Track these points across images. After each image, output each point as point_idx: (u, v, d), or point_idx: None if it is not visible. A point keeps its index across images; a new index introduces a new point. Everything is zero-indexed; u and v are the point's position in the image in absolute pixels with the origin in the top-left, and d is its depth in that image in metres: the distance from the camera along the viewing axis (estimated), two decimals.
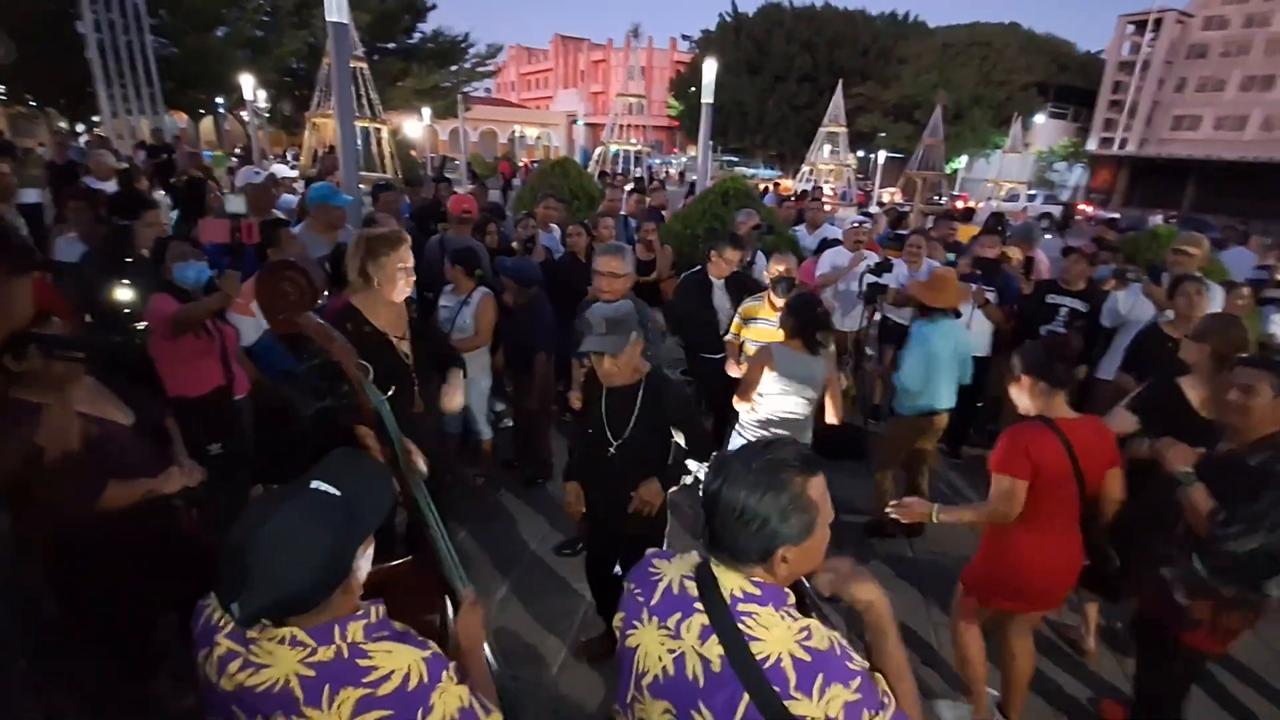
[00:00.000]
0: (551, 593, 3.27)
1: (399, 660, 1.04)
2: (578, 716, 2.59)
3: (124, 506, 1.87)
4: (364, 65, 17.01)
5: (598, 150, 25.84)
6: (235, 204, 4.02)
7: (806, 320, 3.03)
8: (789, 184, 26.41)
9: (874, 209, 15.10)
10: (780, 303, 3.54)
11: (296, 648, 1.01)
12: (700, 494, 1.12)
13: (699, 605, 1.09)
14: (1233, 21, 38.20)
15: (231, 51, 21.39)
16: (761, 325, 3.69)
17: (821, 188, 21.10)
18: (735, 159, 42.62)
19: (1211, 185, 37.58)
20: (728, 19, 42.66)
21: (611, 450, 2.34)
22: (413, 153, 23.53)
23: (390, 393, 2.13)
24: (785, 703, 0.99)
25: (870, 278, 4.61)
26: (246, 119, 20.10)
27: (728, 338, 3.90)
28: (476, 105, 39.46)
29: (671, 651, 1.10)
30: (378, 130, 17.84)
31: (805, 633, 1.04)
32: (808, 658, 1.02)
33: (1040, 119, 37.83)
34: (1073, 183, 42.53)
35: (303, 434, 2.53)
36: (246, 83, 16.58)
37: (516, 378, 4.21)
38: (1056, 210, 26.64)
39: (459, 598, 1.43)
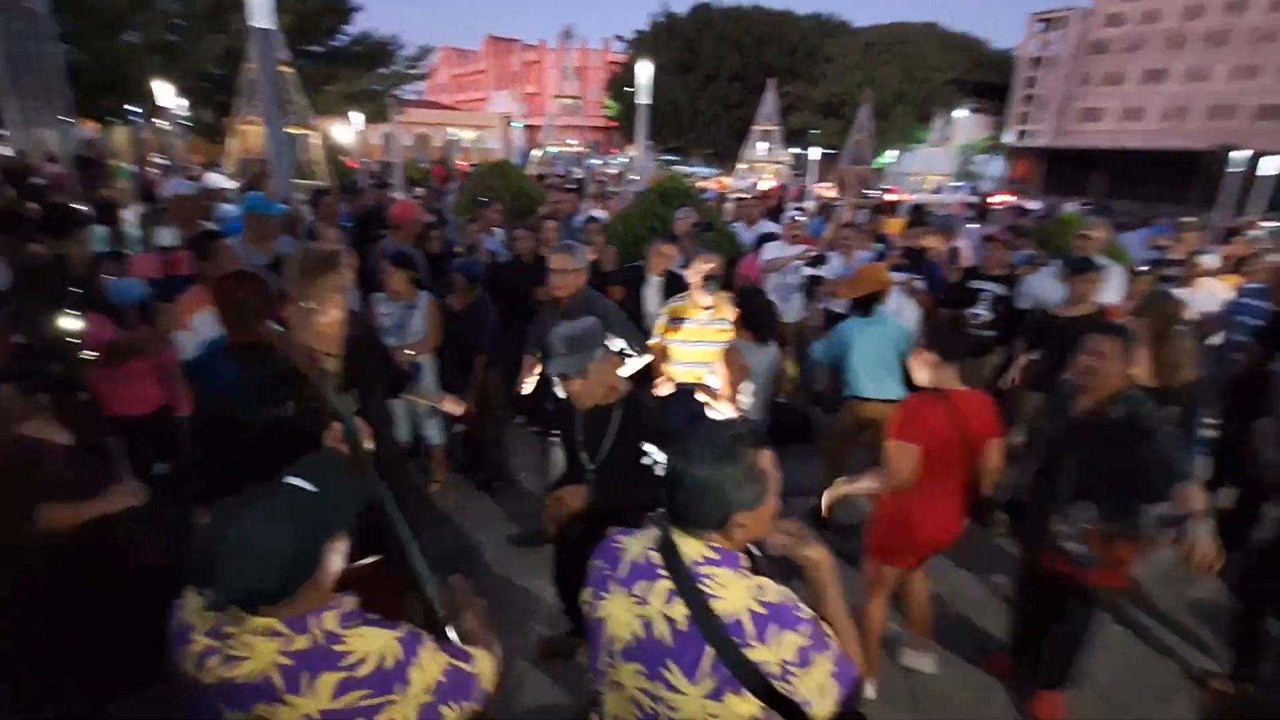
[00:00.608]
0: (512, 595, 3.29)
1: (373, 643, 1.10)
2: (546, 717, 2.63)
3: (70, 526, 1.83)
4: (289, 69, 16.43)
5: (535, 152, 25.71)
6: (165, 236, 3.89)
7: (754, 312, 3.19)
8: (728, 181, 26.88)
9: (809, 204, 15.54)
10: (707, 301, 3.52)
11: (273, 638, 1.06)
12: (673, 482, 1.20)
13: (663, 572, 1.20)
14: (1130, 18, 40.94)
15: (144, 56, 20.32)
16: (690, 326, 3.59)
17: (786, 186, 21.51)
18: (674, 158, 43.04)
19: (1119, 173, 40.14)
20: (659, 20, 43.07)
21: (589, 471, 2.30)
22: (345, 159, 22.86)
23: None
24: (744, 651, 1.11)
25: (807, 270, 4.82)
26: (166, 127, 19.14)
27: (652, 342, 3.74)
28: (409, 108, 38.56)
29: (640, 617, 1.20)
30: (306, 136, 17.27)
31: (759, 589, 1.18)
32: (763, 611, 1.15)
33: (960, 114, 39.64)
34: (993, 174, 44.72)
35: (253, 447, 2.49)
36: (162, 89, 15.80)
37: (462, 382, 4.21)
38: (984, 201, 27.97)
39: (431, 602, 1.46)
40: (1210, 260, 5.85)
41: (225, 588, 1.02)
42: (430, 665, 1.14)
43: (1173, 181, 35.14)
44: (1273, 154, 19.14)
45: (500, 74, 64.45)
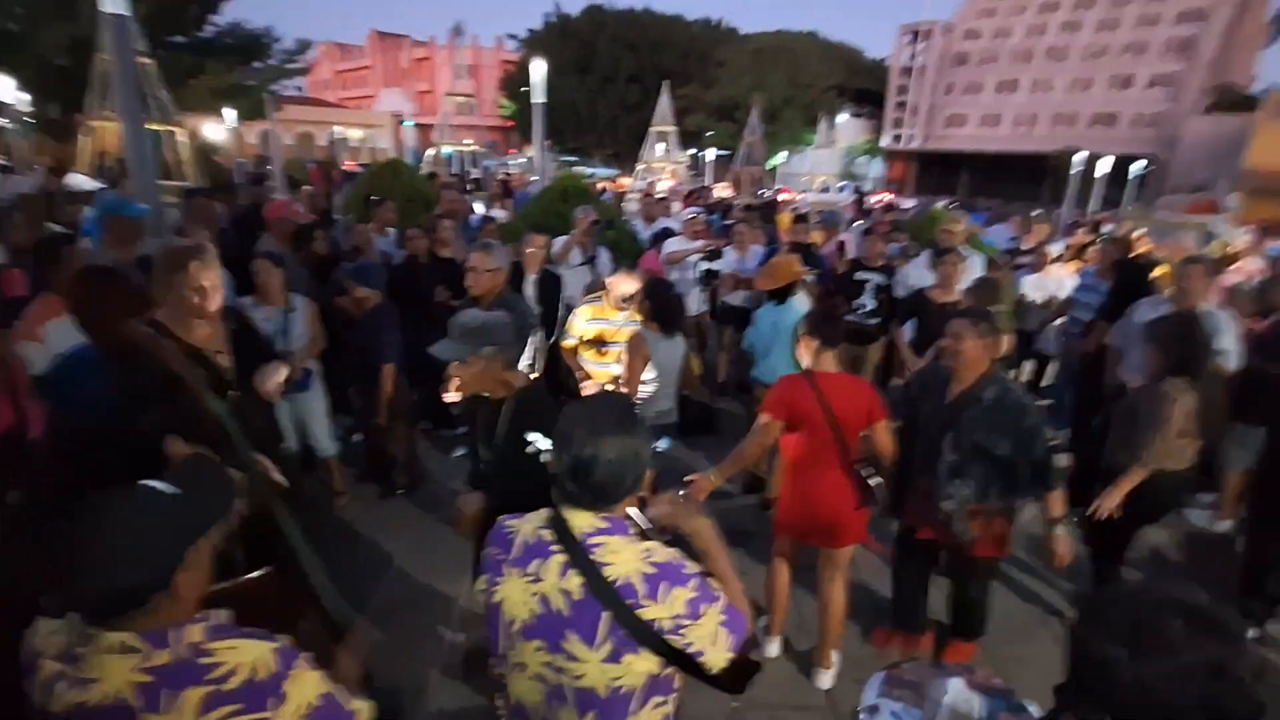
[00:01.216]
0: (420, 601, 3.21)
1: (245, 655, 1.02)
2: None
3: None
4: (148, 61, 15.04)
5: (429, 151, 24.88)
6: None
7: (662, 304, 3.26)
8: (626, 181, 27.12)
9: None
10: (621, 307, 3.65)
11: (128, 654, 0.96)
12: (568, 464, 1.22)
13: (555, 548, 1.24)
14: (985, 34, 44.88)
15: None
16: (601, 326, 3.70)
17: (710, 189, 21.81)
18: (574, 159, 42.91)
19: (981, 174, 44.02)
20: (552, 20, 42.81)
21: (484, 464, 2.32)
22: (217, 158, 21.19)
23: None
24: (638, 611, 1.18)
25: (704, 265, 4.99)
26: (5, 125, 17.01)
27: (564, 343, 3.78)
28: (288, 105, 36.13)
29: (535, 594, 1.23)
30: (171, 134, 15.87)
31: (648, 552, 1.24)
32: (653, 570, 1.21)
33: (842, 118, 42.02)
34: (873, 175, 47.69)
35: (124, 463, 2.29)
36: (2, 83, 14.02)
37: (364, 390, 4.04)
38: (864, 199, 29.83)
39: (334, 615, 1.42)
40: (1056, 249, 6.57)
41: (72, 597, 0.94)
42: (309, 684, 1.06)
43: (1027, 181, 38.94)
44: (1105, 156, 21.60)
45: (388, 71, 61.73)
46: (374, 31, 62.08)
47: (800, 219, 5.83)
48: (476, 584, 1.35)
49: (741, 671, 1.28)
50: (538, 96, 8.84)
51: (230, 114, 22.46)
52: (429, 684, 2.73)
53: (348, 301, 4.35)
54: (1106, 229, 9.98)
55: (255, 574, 1.41)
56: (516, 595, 1.26)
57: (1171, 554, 4.04)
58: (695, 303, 5.24)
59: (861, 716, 1.29)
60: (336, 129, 43.02)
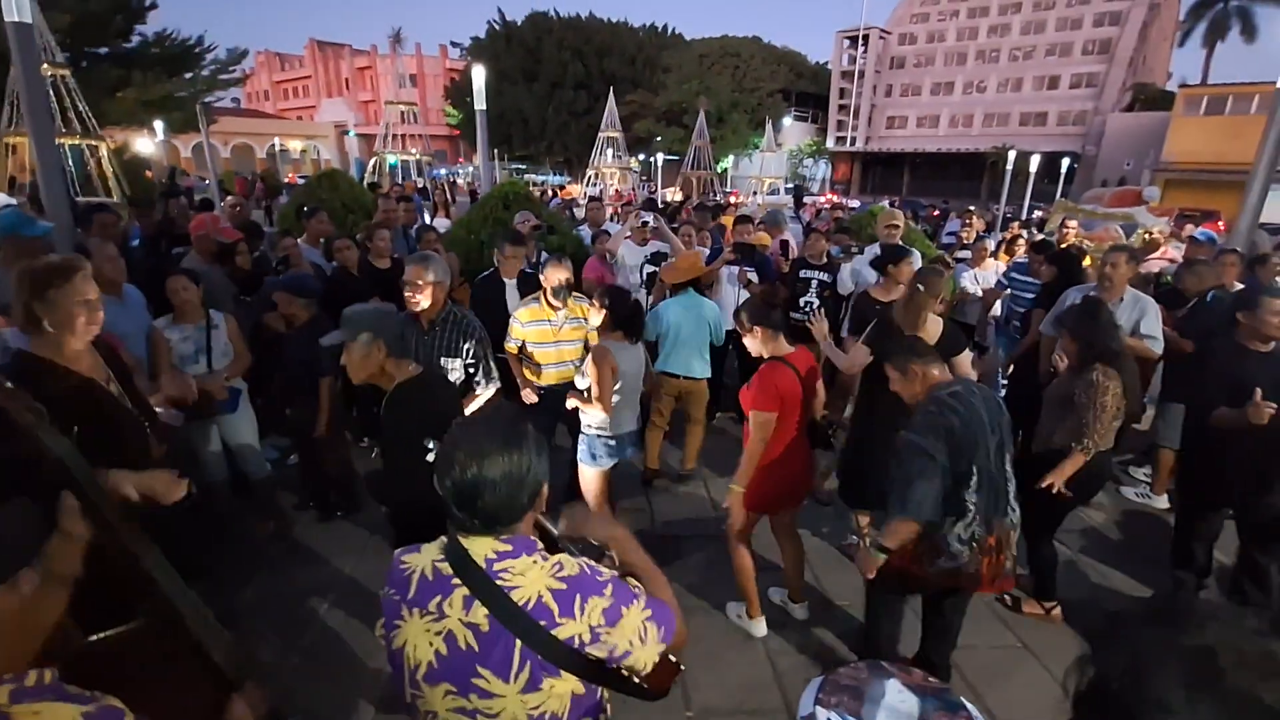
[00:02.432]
0: (357, 634, 3.03)
1: (54, 717, 0.87)
2: None
3: None
4: (66, 73, 14.31)
5: (372, 161, 24.33)
6: None
7: (623, 312, 3.23)
8: (574, 189, 27.06)
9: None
10: (558, 303, 3.67)
11: None
12: (452, 490, 1.14)
13: (456, 581, 1.15)
14: (919, 38, 46.40)
15: None
16: (544, 328, 3.71)
17: (665, 195, 21.83)
18: (523, 166, 42.61)
19: (922, 173, 45.50)
20: (497, 27, 42.47)
21: (374, 453, 2.45)
22: (148, 173, 20.28)
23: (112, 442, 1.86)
24: (553, 631, 1.10)
25: (649, 267, 4.95)
26: None
27: (507, 345, 3.76)
28: (224, 117, 34.93)
29: (439, 634, 1.14)
30: (94, 148, 15.12)
31: (558, 566, 1.16)
32: (563, 586, 1.14)
33: (788, 121, 42.83)
34: (819, 176, 48.72)
35: None
36: None
37: (300, 408, 3.86)
38: (810, 200, 30.46)
39: (223, 665, 1.27)
40: (991, 243, 6.77)
41: None
42: None
43: (966, 178, 40.40)
44: (1036, 153, 22.52)
45: (329, 80, 60.24)
46: (312, 41, 60.49)
47: (744, 219, 5.85)
48: (375, 629, 1.25)
49: (663, 674, 1.23)
50: (480, 103, 8.68)
51: (159, 126, 21.50)
52: (363, 718, 2.59)
53: (275, 318, 4.17)
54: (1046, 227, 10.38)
55: (122, 628, 1.26)
56: (419, 639, 1.16)
57: (1109, 531, 4.17)
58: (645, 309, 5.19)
59: None
60: (277, 140, 41.85)
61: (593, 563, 1.21)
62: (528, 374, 3.80)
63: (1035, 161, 20.75)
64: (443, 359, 2.98)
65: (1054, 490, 2.88)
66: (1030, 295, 5.02)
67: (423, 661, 1.15)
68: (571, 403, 3.24)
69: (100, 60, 22.68)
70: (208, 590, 2.80)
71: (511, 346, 3.76)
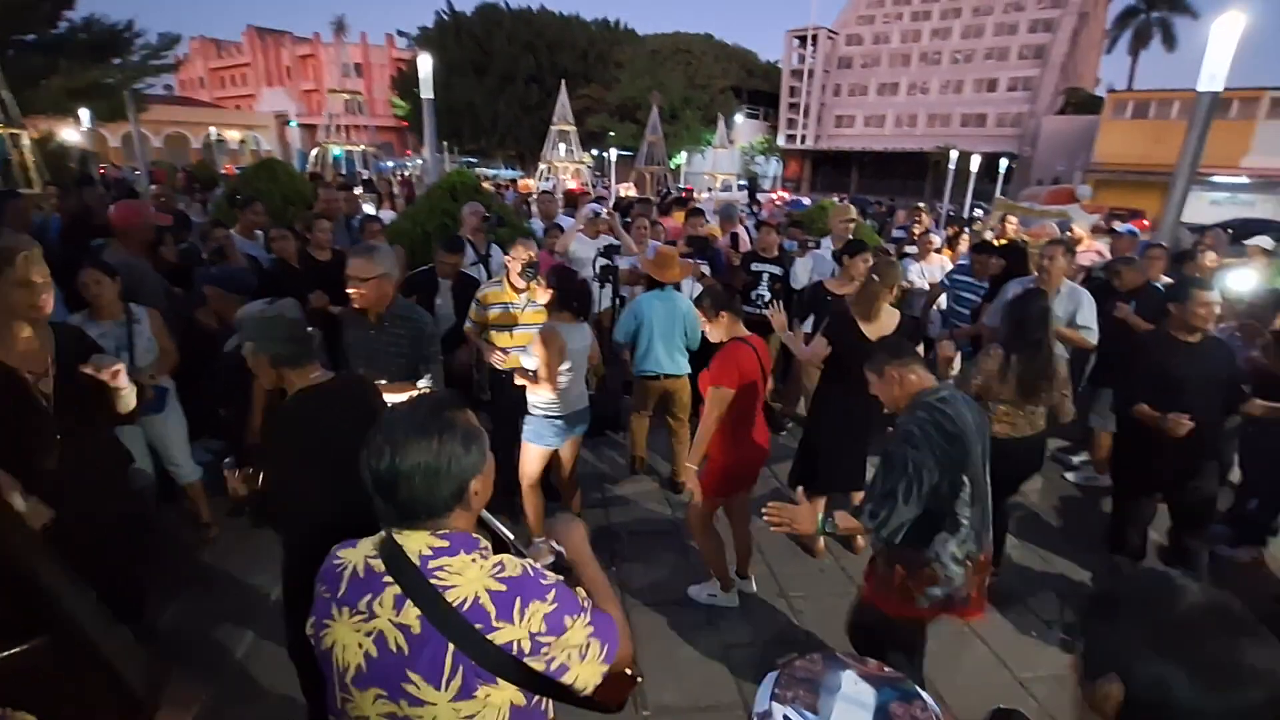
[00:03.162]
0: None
1: None
2: None
3: None
4: None
5: (314, 152, 23.49)
6: None
7: (569, 291, 3.23)
8: (530, 183, 26.71)
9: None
10: (521, 285, 3.69)
11: None
12: (371, 479, 1.08)
13: (388, 578, 1.07)
14: (866, 39, 47.47)
15: None
16: (502, 310, 3.72)
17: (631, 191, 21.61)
18: (474, 160, 41.84)
19: (869, 171, 46.60)
20: (445, 17, 41.53)
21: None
22: (72, 165, 19.11)
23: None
24: (489, 635, 1.03)
25: (602, 260, 4.89)
26: None
27: (466, 327, 3.80)
28: (156, 105, 33.05)
29: (369, 634, 1.07)
30: (15, 137, 14.17)
31: (499, 566, 1.09)
32: (503, 588, 1.07)
33: (740, 118, 43.23)
34: (771, 173, 49.38)
35: None
36: None
37: (234, 407, 3.66)
38: (762, 196, 30.87)
39: (133, 684, 1.17)
40: (937, 239, 6.96)
41: None
42: None
43: (911, 176, 41.59)
44: (977, 153, 23.32)
45: (269, 69, 57.85)
46: (251, 27, 57.97)
47: (696, 212, 5.84)
48: (306, 627, 1.16)
49: (618, 687, 1.17)
50: (427, 93, 8.45)
51: (86, 115, 20.26)
52: None
53: (207, 314, 3.95)
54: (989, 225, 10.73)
55: (20, 648, 1.15)
56: (348, 639, 1.08)
57: (1050, 516, 4.32)
58: (597, 299, 5.12)
59: None
60: (213, 130, 39.89)
61: (537, 565, 1.14)
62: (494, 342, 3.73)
63: (976, 161, 21.49)
64: (393, 357, 2.84)
65: None
66: (971, 295, 5.16)
67: (352, 664, 1.07)
68: (520, 381, 3.22)
69: (26, 48, 21.24)
70: (129, 605, 2.66)
71: (470, 328, 3.77)
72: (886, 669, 1.27)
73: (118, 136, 31.56)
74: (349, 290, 2.75)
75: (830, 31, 47.51)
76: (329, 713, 1.15)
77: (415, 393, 2.87)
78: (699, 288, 4.95)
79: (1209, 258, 5.38)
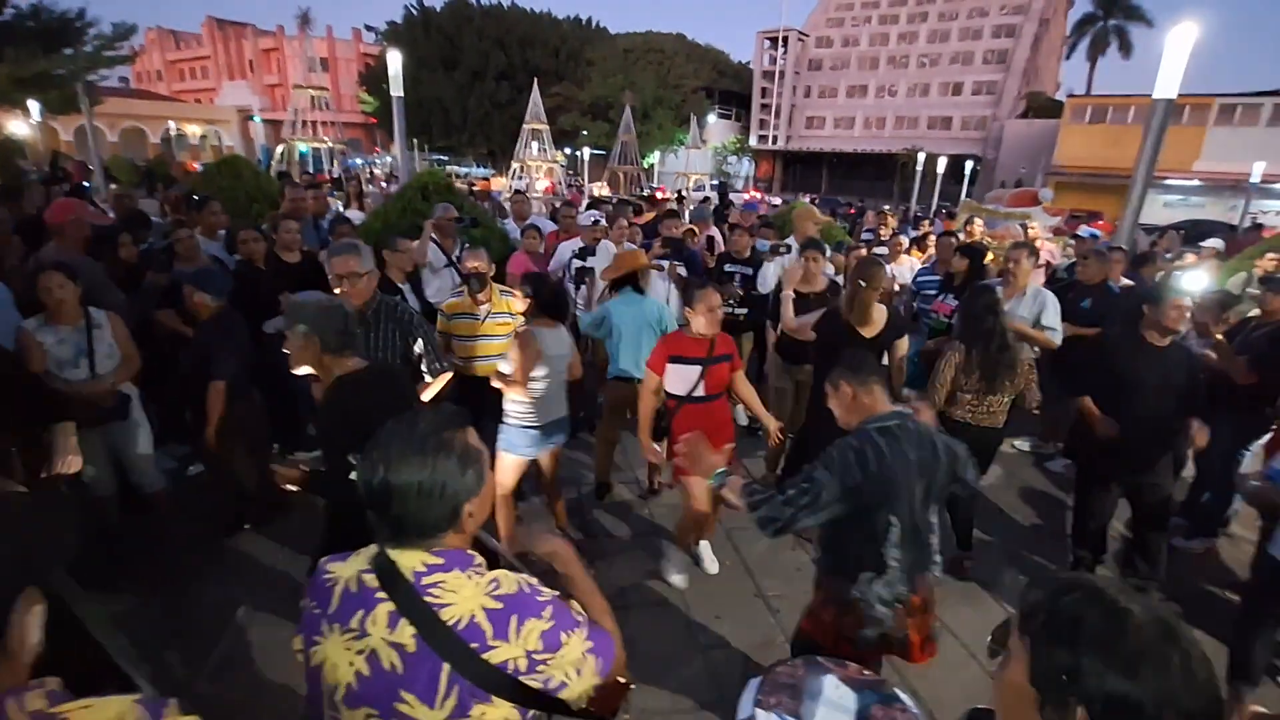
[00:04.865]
0: (269, 656, 2.82)
1: (107, 711, 0.89)
2: None
3: None
4: None
5: (280, 148, 22.94)
6: None
7: (545, 295, 3.24)
8: (503, 181, 26.49)
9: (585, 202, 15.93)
10: (482, 296, 3.64)
11: None
12: (366, 495, 1.07)
13: (381, 595, 1.05)
14: (835, 41, 48.03)
15: None
16: (464, 320, 3.68)
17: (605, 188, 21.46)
18: (445, 158, 41.30)
19: (839, 172, 47.20)
20: (414, 12, 40.91)
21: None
22: (20, 162, 18.38)
23: None
24: (485, 655, 1.02)
25: (577, 262, 4.87)
26: None
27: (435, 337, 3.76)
28: (111, 98, 31.91)
29: (361, 653, 1.04)
30: None
31: (494, 584, 1.08)
32: (499, 605, 1.06)
33: (712, 119, 43.43)
34: (743, 174, 49.70)
35: None
36: None
37: (201, 412, 3.55)
38: (736, 196, 31.03)
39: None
40: (905, 240, 7.08)
41: None
42: None
43: (880, 178, 42.26)
44: (943, 155, 23.82)
45: (231, 61, 56.36)
46: (210, 19, 56.38)
47: (671, 214, 5.86)
48: (293, 644, 1.14)
49: (611, 695, 1.18)
50: (396, 89, 8.32)
51: (35, 107, 19.50)
52: None
53: (169, 315, 3.84)
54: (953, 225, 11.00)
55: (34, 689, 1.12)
56: (339, 657, 1.06)
57: (1019, 508, 4.43)
58: (573, 302, 5.10)
59: None
60: (172, 124, 38.69)
61: (534, 581, 1.13)
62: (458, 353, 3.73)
63: (942, 163, 21.94)
64: (379, 354, 2.80)
65: None
66: (935, 293, 5.27)
67: (342, 682, 1.05)
68: (495, 384, 3.21)
69: None
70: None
71: (438, 339, 3.63)
72: (866, 673, 1.29)
73: (70, 130, 30.43)
74: (336, 290, 2.72)
75: (800, 33, 47.96)
76: None
77: (435, 389, 2.93)
78: (672, 287, 4.98)
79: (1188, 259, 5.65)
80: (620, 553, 3.68)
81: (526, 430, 3.23)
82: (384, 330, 2.84)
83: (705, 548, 3.54)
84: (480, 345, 3.68)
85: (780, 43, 46.67)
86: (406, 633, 1.03)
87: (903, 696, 1.27)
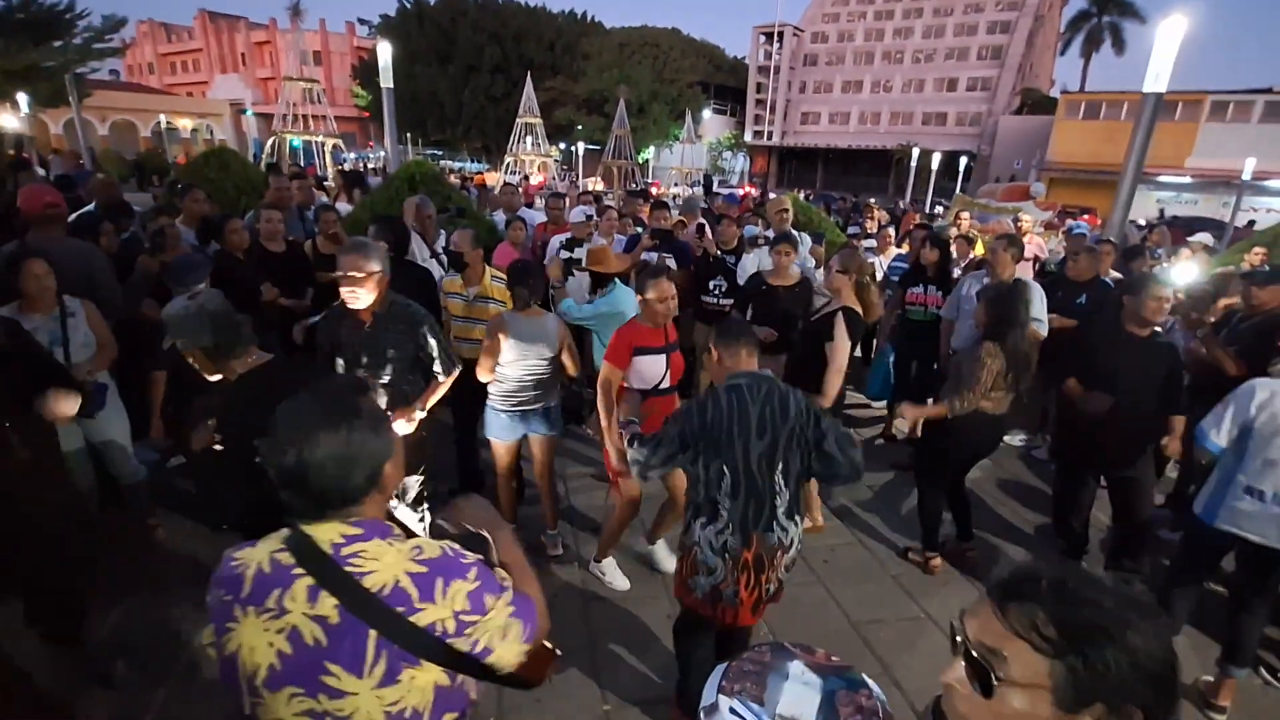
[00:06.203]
0: None
1: None
2: None
3: None
4: None
5: (270, 141, 22.79)
6: None
7: (515, 279, 3.19)
8: (495, 175, 26.39)
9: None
10: (470, 277, 3.69)
11: None
12: (278, 471, 1.05)
13: (298, 571, 1.04)
14: (830, 37, 47.97)
15: None
16: (455, 300, 3.76)
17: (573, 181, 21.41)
18: (439, 153, 41.15)
19: (835, 167, 47.26)
20: (408, 5, 40.69)
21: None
22: (10, 153, 18.22)
23: None
24: (411, 618, 1.02)
25: (565, 254, 4.84)
26: None
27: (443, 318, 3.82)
28: (102, 91, 31.60)
29: (280, 631, 1.02)
30: None
31: (417, 550, 1.08)
32: (424, 569, 1.06)
33: (707, 114, 43.37)
34: (738, 169, 49.69)
35: None
36: None
37: (182, 404, 3.52)
38: (726, 191, 31.02)
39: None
40: (893, 232, 7.08)
41: None
42: None
43: (875, 173, 42.31)
44: (937, 151, 23.85)
45: (223, 54, 55.92)
46: (203, 12, 55.89)
47: (660, 205, 5.83)
48: (203, 637, 1.11)
49: (539, 662, 1.19)
50: (386, 81, 8.26)
51: (24, 100, 19.34)
52: None
53: (151, 305, 3.79)
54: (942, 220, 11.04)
55: None
56: (256, 640, 1.03)
57: (1003, 499, 4.43)
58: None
59: (701, 715, 1.22)
60: (163, 118, 38.36)
61: (456, 546, 1.12)
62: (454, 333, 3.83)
63: (936, 159, 21.96)
64: (389, 356, 2.77)
65: (902, 424, 3.27)
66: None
67: (262, 665, 1.03)
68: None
69: None
70: (68, 620, 2.55)
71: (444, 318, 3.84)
72: (835, 658, 1.28)
73: (59, 123, 30.17)
74: (343, 290, 2.61)
75: (796, 28, 47.89)
76: (236, 717, 1.09)
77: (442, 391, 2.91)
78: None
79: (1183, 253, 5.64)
80: (594, 543, 3.66)
81: (498, 413, 3.28)
82: (394, 333, 2.76)
83: (660, 546, 3.46)
84: (468, 326, 3.75)
85: (775, 38, 46.60)
86: (328, 604, 1.01)
87: (869, 683, 1.26)
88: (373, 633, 1.00)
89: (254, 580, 1.05)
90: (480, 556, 1.14)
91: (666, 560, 3.41)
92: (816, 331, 3.44)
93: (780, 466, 2.05)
